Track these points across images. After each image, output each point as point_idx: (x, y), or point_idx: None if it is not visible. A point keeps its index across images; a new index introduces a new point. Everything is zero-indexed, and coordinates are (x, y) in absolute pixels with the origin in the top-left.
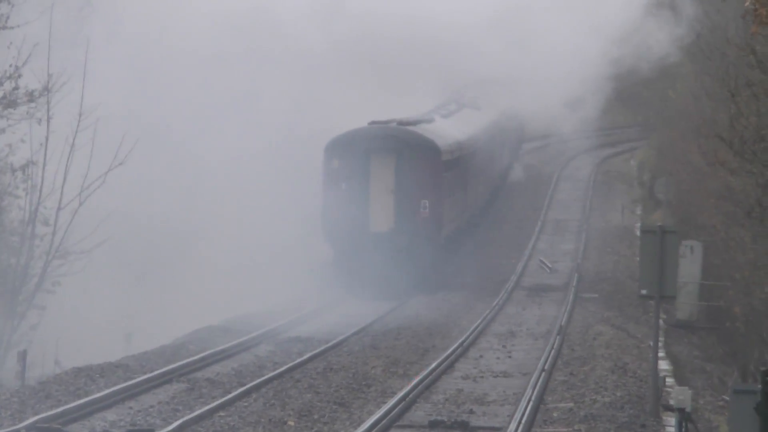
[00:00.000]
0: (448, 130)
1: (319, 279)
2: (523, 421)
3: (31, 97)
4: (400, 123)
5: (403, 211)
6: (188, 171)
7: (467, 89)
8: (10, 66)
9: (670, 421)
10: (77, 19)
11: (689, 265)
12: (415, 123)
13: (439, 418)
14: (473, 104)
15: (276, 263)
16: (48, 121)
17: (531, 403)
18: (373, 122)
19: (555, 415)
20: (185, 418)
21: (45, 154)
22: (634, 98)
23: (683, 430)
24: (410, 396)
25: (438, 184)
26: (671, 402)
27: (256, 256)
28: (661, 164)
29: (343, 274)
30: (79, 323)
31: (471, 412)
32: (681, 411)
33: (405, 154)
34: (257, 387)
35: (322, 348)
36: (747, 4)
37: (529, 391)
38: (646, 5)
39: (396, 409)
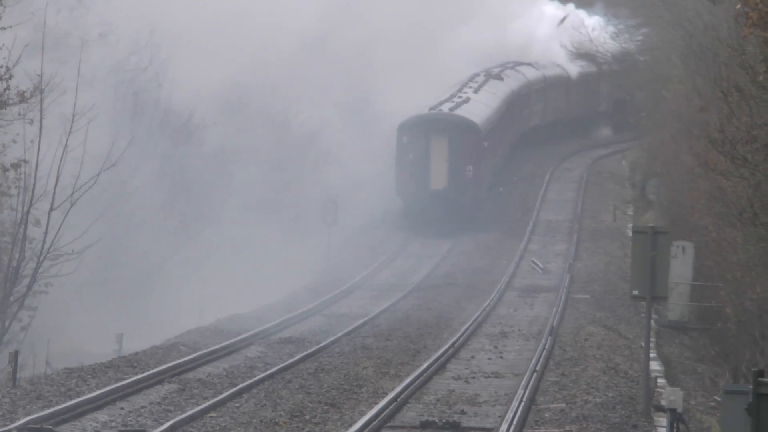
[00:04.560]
0: (481, 106)
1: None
2: (514, 421)
3: (22, 97)
4: (450, 108)
5: (454, 173)
6: (182, 167)
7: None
8: (1, 67)
9: (662, 421)
10: (69, 19)
11: (681, 265)
12: (459, 106)
13: (430, 418)
14: (497, 76)
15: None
16: (41, 122)
17: (522, 404)
18: (431, 108)
19: (546, 415)
20: (176, 419)
21: (37, 155)
22: (627, 100)
23: (675, 430)
24: (402, 397)
25: (478, 152)
26: (663, 403)
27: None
28: (652, 165)
29: (410, 219)
30: (70, 324)
31: (462, 412)
32: (672, 411)
33: (454, 132)
34: (249, 388)
35: (314, 349)
36: (738, 6)
37: (520, 391)
38: None
39: (387, 410)
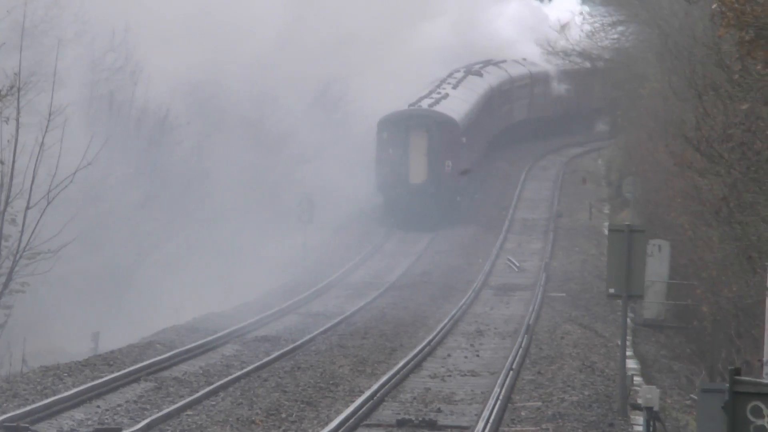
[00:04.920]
0: (460, 102)
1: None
2: (490, 420)
3: None
4: (429, 105)
5: (433, 168)
6: (158, 166)
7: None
8: None
9: (638, 420)
10: (45, 18)
11: (657, 264)
12: (438, 102)
13: (406, 416)
14: (477, 72)
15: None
16: (17, 120)
17: (499, 402)
18: (411, 104)
19: (523, 414)
20: (153, 417)
21: (14, 154)
22: (603, 98)
23: (651, 429)
24: (378, 395)
25: (456, 147)
26: (639, 401)
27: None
28: (628, 164)
29: (391, 213)
30: (46, 322)
31: (439, 410)
32: (649, 410)
33: (433, 128)
34: (225, 386)
35: (290, 347)
36: (714, 6)
37: (496, 390)
38: None
39: (364, 408)
